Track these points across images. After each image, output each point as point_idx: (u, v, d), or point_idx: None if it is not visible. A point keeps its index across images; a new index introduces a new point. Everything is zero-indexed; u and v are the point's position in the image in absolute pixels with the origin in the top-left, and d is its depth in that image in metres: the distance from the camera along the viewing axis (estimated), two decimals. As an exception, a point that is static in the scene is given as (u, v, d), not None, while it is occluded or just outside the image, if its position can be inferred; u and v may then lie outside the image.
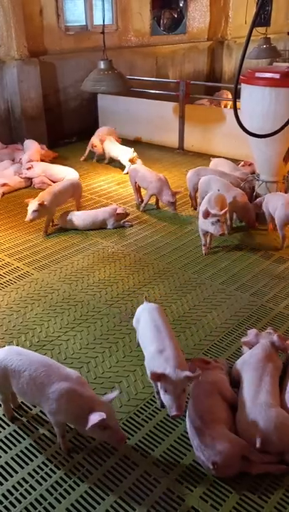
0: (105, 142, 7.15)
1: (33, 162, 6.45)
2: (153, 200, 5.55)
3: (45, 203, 4.75)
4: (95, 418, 2.22)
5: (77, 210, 5.30)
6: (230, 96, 9.40)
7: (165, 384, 2.39)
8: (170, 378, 2.38)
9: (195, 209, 5.55)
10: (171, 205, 5.25)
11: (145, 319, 2.83)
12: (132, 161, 6.60)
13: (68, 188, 5.19)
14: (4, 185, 6.04)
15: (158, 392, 2.61)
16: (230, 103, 8.87)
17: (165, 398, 2.41)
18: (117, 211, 5.07)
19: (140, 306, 3.01)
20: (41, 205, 4.70)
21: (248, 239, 4.85)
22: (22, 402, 2.83)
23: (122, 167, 6.87)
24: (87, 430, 2.27)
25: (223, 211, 4.23)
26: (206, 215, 4.20)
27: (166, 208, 5.61)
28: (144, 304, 3.00)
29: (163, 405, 2.65)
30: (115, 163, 7.11)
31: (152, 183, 5.29)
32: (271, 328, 3.14)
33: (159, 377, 2.40)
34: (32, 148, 6.70)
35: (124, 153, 6.76)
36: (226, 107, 8.68)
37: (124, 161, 6.73)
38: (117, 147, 7.01)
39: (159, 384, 2.46)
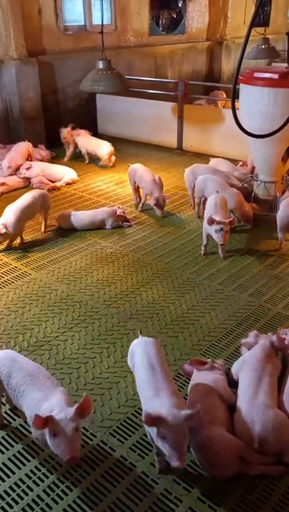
0: (79, 137, 7.16)
1: (31, 162, 6.44)
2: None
3: (8, 229, 4.47)
4: (37, 414, 2.12)
5: (44, 223, 5.00)
6: (225, 96, 9.40)
7: (162, 429, 2.11)
8: (167, 421, 2.10)
9: (194, 208, 5.57)
10: (155, 207, 5.21)
11: (139, 357, 2.59)
12: (110, 154, 6.77)
13: (36, 200, 4.76)
14: (2, 184, 6.02)
15: (157, 454, 2.37)
16: (225, 103, 8.90)
17: (164, 446, 2.13)
18: (118, 213, 5.07)
19: (134, 341, 2.78)
20: (4, 230, 4.45)
21: (247, 239, 4.85)
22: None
23: (123, 167, 6.85)
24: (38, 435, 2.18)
25: (229, 220, 4.16)
26: (211, 222, 4.15)
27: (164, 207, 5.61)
28: (138, 339, 2.76)
29: (162, 471, 2.38)
30: (114, 162, 7.10)
31: (146, 183, 5.31)
32: (272, 333, 3.14)
33: (154, 420, 2.12)
34: (12, 153, 6.52)
35: (102, 147, 6.91)
36: (224, 107, 8.68)
37: (103, 155, 6.89)
38: (93, 141, 7.11)
39: (155, 431, 2.15)
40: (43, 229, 5.00)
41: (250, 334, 3.05)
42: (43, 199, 4.83)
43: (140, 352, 2.61)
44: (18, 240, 4.76)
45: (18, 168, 6.34)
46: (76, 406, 2.16)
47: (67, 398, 2.30)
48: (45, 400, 2.26)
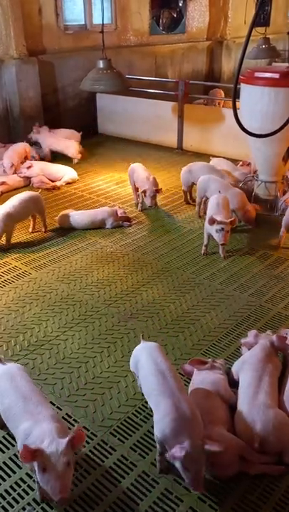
0: (41, 135, 7.10)
1: (31, 161, 6.44)
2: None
3: None
4: (26, 444, 2.00)
5: (43, 223, 4.96)
6: (223, 95, 9.41)
7: (185, 460, 2.04)
8: (189, 453, 2.02)
9: (188, 203, 5.63)
10: (144, 198, 5.28)
11: (146, 362, 2.50)
12: (80, 153, 6.88)
13: (24, 203, 4.68)
14: (3, 183, 6.01)
15: (161, 453, 2.31)
16: (222, 102, 8.90)
17: (185, 474, 2.09)
18: (119, 214, 5.07)
19: (137, 347, 2.71)
20: None
21: (247, 239, 4.85)
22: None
23: (123, 166, 6.85)
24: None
25: (230, 220, 4.17)
26: (212, 221, 4.15)
27: (164, 207, 5.61)
28: (141, 344, 2.69)
29: (163, 471, 2.36)
30: (114, 162, 7.10)
31: (142, 182, 5.33)
32: (270, 331, 3.14)
33: (179, 455, 2.03)
34: (9, 152, 6.45)
35: (70, 147, 6.97)
36: (223, 106, 8.68)
37: (73, 154, 6.95)
38: (60, 141, 7.10)
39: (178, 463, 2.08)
40: (43, 229, 4.99)
41: (250, 334, 3.05)
42: (34, 202, 4.76)
43: (146, 358, 2.52)
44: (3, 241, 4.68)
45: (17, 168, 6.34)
46: (68, 438, 2.02)
47: (60, 425, 2.16)
48: (36, 426, 2.11)
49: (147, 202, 5.23)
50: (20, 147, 6.66)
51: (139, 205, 5.53)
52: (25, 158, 6.66)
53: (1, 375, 2.43)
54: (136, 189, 5.62)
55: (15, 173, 6.29)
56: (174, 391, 2.28)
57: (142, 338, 2.76)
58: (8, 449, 2.54)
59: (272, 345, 2.88)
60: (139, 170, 5.51)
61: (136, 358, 2.63)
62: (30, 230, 5.00)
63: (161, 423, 2.20)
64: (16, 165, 6.33)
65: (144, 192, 5.21)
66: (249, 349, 2.93)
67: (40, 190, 5.65)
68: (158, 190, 5.23)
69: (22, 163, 6.46)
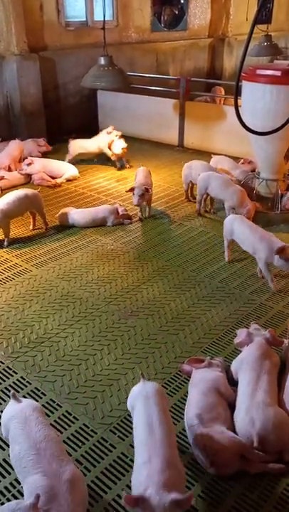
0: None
1: (32, 158, 6.42)
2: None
3: None
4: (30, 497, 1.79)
5: (45, 225, 4.92)
6: (223, 92, 9.39)
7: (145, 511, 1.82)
8: (150, 504, 1.79)
9: (189, 200, 5.61)
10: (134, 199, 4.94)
11: (139, 410, 2.28)
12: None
13: (21, 200, 4.65)
14: (2, 178, 5.99)
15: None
16: (223, 100, 8.87)
17: None
18: (120, 212, 5.05)
19: (136, 386, 2.46)
20: None
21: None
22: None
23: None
24: None
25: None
26: (281, 251, 3.67)
27: (165, 205, 5.60)
28: (140, 384, 2.42)
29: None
30: (114, 162, 7.09)
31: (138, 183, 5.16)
32: (255, 322, 3.12)
33: (135, 501, 1.82)
34: (3, 154, 6.38)
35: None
36: (224, 103, 8.65)
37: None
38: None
39: None
40: (44, 227, 4.98)
41: (241, 332, 3.00)
42: (29, 200, 4.72)
43: (141, 404, 2.30)
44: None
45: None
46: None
47: (79, 489, 1.94)
48: (49, 491, 1.87)
49: (134, 200, 4.90)
50: (15, 149, 6.54)
51: (138, 213, 5.24)
52: (21, 158, 6.59)
53: (14, 416, 2.22)
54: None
55: (10, 170, 6.25)
56: (156, 444, 2.05)
57: (142, 377, 2.46)
58: (8, 446, 2.53)
59: (268, 342, 2.87)
60: (139, 173, 5.39)
61: (132, 399, 2.41)
62: (30, 227, 5.00)
63: (133, 476, 2.04)
64: (11, 166, 6.28)
65: (132, 190, 4.93)
66: (245, 347, 2.92)
67: (39, 188, 5.62)
68: (147, 189, 4.94)
69: (20, 161, 6.44)
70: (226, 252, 4.37)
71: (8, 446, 2.51)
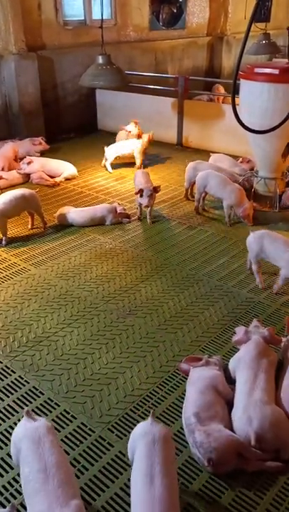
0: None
1: (31, 157, 6.41)
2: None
3: None
4: None
5: (43, 224, 4.91)
6: (222, 90, 9.36)
7: None
8: None
9: (188, 199, 5.60)
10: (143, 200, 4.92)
11: (140, 455, 2.03)
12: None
13: (17, 200, 4.63)
14: (1, 178, 5.98)
15: None
16: (222, 98, 8.87)
17: None
18: (118, 210, 5.05)
19: (141, 425, 2.19)
20: None
21: (247, 236, 4.82)
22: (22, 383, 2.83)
23: (122, 162, 6.83)
24: None
25: None
26: None
27: (164, 203, 5.60)
28: (146, 424, 2.14)
29: None
30: (113, 161, 7.08)
31: (140, 184, 5.10)
32: (257, 319, 3.12)
33: None
34: None
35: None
36: (223, 102, 8.65)
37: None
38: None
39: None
40: (42, 226, 4.98)
41: (239, 331, 2.99)
42: (26, 200, 4.71)
43: (142, 450, 2.04)
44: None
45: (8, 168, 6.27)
46: None
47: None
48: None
49: (144, 201, 4.85)
50: (9, 151, 6.49)
51: (138, 213, 5.16)
52: (15, 158, 6.56)
53: (26, 435, 2.08)
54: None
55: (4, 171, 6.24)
56: (154, 505, 1.87)
57: (152, 416, 2.16)
58: (6, 445, 2.54)
59: (266, 340, 2.87)
60: (139, 175, 5.28)
61: (133, 442, 2.14)
62: (29, 226, 5.00)
63: None
64: (5, 168, 6.26)
65: (141, 191, 4.84)
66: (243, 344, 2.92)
67: (38, 188, 5.56)
68: (156, 189, 4.92)
69: (16, 161, 6.43)
70: (257, 278, 3.90)
71: (5, 444, 2.53)
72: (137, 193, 4.91)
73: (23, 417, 2.20)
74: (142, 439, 2.08)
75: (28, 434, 2.06)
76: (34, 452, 1.99)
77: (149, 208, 5.01)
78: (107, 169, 6.63)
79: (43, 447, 2.01)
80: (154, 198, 4.95)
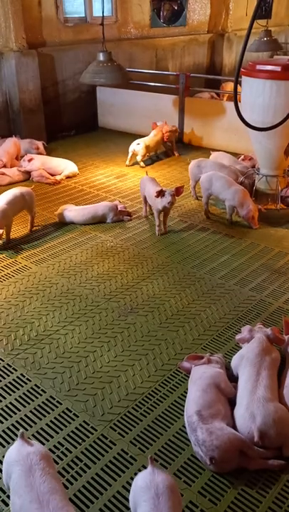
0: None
1: (32, 155, 6.40)
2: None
3: None
4: None
5: (31, 222, 4.86)
6: (230, 88, 9.31)
7: None
8: None
9: (197, 199, 5.53)
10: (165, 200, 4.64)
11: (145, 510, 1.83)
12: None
13: (17, 199, 4.63)
14: (3, 174, 5.96)
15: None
16: (227, 96, 8.84)
17: None
18: (119, 208, 5.03)
19: (140, 476, 1.96)
20: None
21: (248, 233, 4.83)
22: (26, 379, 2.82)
23: (123, 160, 6.81)
24: None
25: None
26: None
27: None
28: (147, 474, 1.93)
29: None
30: (114, 156, 7.07)
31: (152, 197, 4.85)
32: (261, 323, 3.14)
33: None
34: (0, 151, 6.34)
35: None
36: (227, 99, 8.62)
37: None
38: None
39: None
40: (29, 227, 4.88)
41: (244, 329, 3.03)
42: (25, 198, 4.69)
43: (147, 505, 1.83)
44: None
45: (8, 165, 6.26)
46: None
47: None
48: None
49: (166, 200, 4.46)
50: (11, 147, 6.48)
51: (157, 228, 4.78)
52: (18, 156, 6.54)
53: (18, 461, 1.98)
54: (146, 202, 5.10)
55: (6, 167, 6.21)
56: None
57: (151, 462, 1.96)
58: (8, 443, 2.54)
59: (269, 339, 2.87)
60: (147, 181, 4.94)
61: (136, 497, 1.93)
62: (29, 226, 4.97)
63: None
64: (7, 164, 6.25)
65: (162, 193, 4.49)
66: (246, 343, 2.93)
67: (32, 185, 5.44)
68: (179, 190, 4.56)
69: (17, 158, 6.41)
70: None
71: (7, 442, 2.53)
72: (157, 196, 4.51)
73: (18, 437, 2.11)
74: (144, 494, 1.87)
75: (19, 460, 1.98)
76: (25, 481, 1.89)
77: (163, 215, 4.73)
78: (140, 165, 6.70)
79: (35, 475, 1.91)
80: (175, 201, 4.61)
